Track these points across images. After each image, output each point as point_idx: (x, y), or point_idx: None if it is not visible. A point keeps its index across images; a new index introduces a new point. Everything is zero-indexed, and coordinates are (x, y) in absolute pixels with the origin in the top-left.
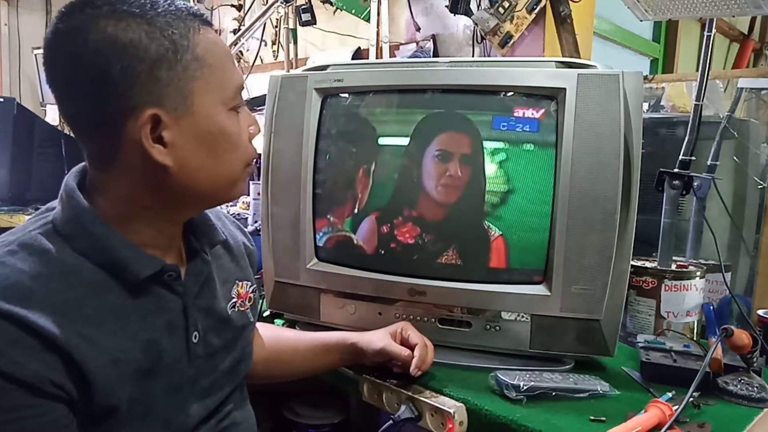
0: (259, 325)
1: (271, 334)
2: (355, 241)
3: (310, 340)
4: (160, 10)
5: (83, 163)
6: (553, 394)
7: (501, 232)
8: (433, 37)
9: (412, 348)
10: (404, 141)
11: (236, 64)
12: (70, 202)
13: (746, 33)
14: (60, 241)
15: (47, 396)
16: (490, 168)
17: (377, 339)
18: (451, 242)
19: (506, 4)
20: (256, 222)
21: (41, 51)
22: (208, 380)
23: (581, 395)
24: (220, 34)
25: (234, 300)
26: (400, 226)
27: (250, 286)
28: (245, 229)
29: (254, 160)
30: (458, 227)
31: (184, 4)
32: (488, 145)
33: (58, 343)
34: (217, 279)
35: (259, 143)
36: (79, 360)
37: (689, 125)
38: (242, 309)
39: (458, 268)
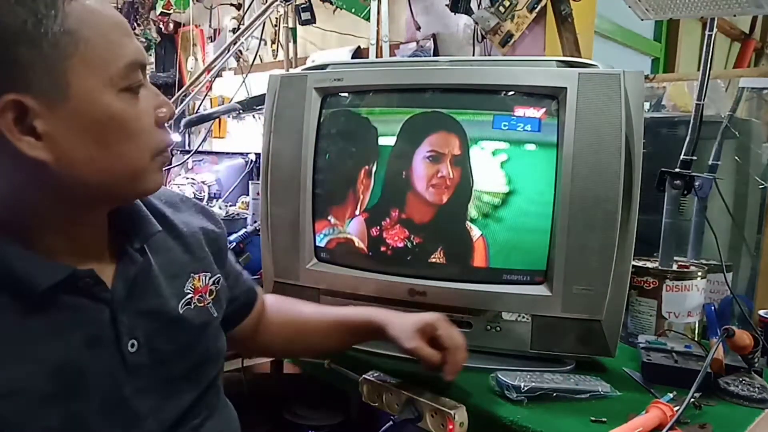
0: (275, 298)
1: (290, 310)
2: (356, 243)
3: (333, 319)
4: None
5: None
6: (554, 395)
7: (482, 233)
8: (434, 36)
9: (443, 349)
10: (394, 141)
11: (131, 35)
12: None
13: (747, 32)
14: None
15: None
16: (491, 168)
17: (405, 336)
18: (438, 244)
19: (507, 3)
20: (255, 222)
21: None
22: (160, 391)
23: (582, 396)
24: (218, 33)
25: (189, 296)
26: (388, 228)
27: (210, 278)
28: (212, 212)
29: (167, 148)
30: (444, 228)
31: None
32: (489, 144)
33: None
34: (161, 276)
35: (258, 143)
36: None
37: (690, 125)
38: (201, 305)
39: (448, 268)
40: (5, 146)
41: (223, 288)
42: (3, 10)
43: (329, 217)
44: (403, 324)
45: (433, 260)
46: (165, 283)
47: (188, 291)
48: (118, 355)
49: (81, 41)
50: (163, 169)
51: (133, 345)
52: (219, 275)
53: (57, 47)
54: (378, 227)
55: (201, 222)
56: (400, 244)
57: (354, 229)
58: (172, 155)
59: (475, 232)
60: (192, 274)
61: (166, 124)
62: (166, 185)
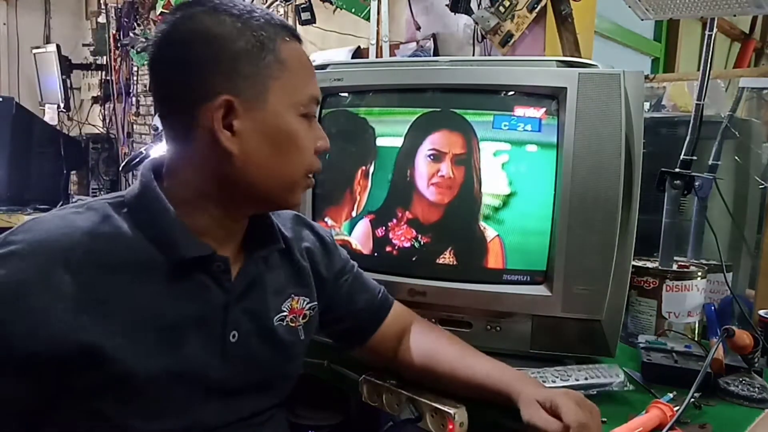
0: (421, 331)
1: (436, 355)
2: (353, 245)
3: (477, 379)
4: (255, 15)
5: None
6: None
7: (498, 233)
8: (434, 36)
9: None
10: (402, 141)
11: (315, 76)
12: (141, 179)
13: (747, 32)
14: (123, 212)
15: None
16: (491, 168)
17: (524, 404)
18: (447, 244)
19: (507, 3)
20: None
21: (40, 51)
22: (233, 390)
23: (591, 392)
24: None
25: (284, 314)
26: (395, 228)
27: (308, 303)
28: (327, 239)
29: (314, 173)
30: (454, 228)
31: (279, 18)
32: (489, 144)
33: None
34: (269, 287)
35: None
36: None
37: (690, 125)
38: (293, 325)
39: (457, 268)
40: (208, 135)
41: (315, 315)
42: (239, 34)
43: (326, 219)
44: (529, 394)
45: (441, 261)
46: (270, 294)
47: (285, 309)
48: (219, 340)
49: (285, 70)
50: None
51: (234, 336)
52: (315, 303)
53: (268, 68)
54: (383, 228)
55: (314, 247)
56: (407, 245)
57: (358, 231)
58: None
59: (490, 232)
60: (293, 295)
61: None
62: None
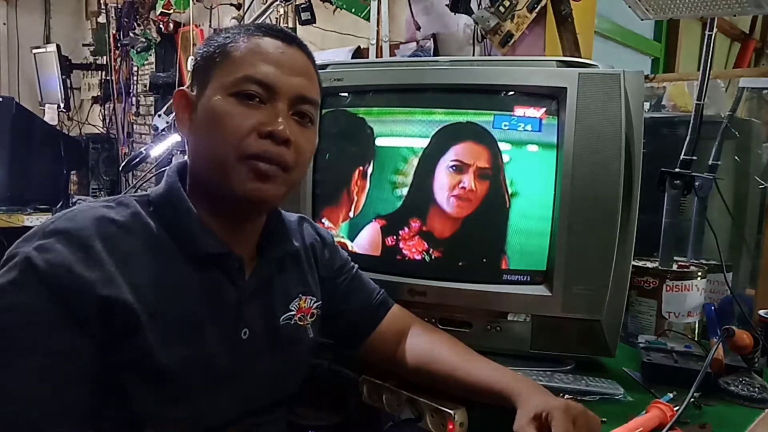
0: (419, 336)
1: (435, 359)
2: (349, 248)
3: (471, 376)
4: (242, 27)
5: None
6: (561, 395)
7: (510, 255)
8: (434, 36)
9: None
10: (405, 142)
11: (273, 64)
12: (167, 180)
13: (747, 32)
14: (149, 209)
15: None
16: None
17: (521, 416)
18: (459, 261)
19: (507, 3)
20: None
21: (40, 51)
22: (248, 383)
23: (591, 398)
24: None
25: (291, 313)
26: (406, 239)
27: (314, 302)
28: (329, 239)
29: (254, 157)
30: (469, 246)
31: (265, 24)
32: None
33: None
34: (277, 287)
35: None
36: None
37: (690, 125)
38: (301, 324)
39: (459, 269)
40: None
41: (321, 313)
42: (210, 44)
43: (323, 219)
44: (527, 406)
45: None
46: (278, 294)
47: (292, 309)
48: (232, 335)
49: (227, 58)
50: (260, 179)
51: (245, 333)
52: (321, 302)
53: (213, 59)
54: (394, 236)
55: (316, 246)
56: (417, 257)
57: (364, 235)
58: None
59: (506, 253)
60: (300, 295)
61: (273, 140)
62: None
